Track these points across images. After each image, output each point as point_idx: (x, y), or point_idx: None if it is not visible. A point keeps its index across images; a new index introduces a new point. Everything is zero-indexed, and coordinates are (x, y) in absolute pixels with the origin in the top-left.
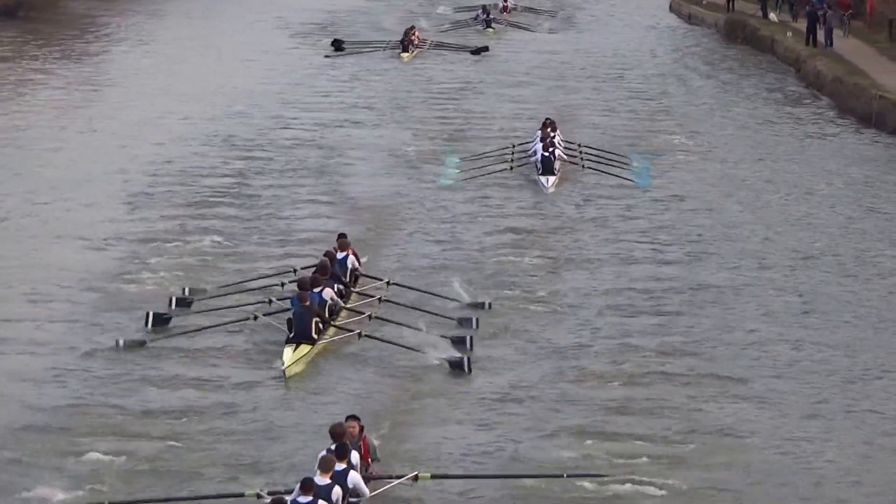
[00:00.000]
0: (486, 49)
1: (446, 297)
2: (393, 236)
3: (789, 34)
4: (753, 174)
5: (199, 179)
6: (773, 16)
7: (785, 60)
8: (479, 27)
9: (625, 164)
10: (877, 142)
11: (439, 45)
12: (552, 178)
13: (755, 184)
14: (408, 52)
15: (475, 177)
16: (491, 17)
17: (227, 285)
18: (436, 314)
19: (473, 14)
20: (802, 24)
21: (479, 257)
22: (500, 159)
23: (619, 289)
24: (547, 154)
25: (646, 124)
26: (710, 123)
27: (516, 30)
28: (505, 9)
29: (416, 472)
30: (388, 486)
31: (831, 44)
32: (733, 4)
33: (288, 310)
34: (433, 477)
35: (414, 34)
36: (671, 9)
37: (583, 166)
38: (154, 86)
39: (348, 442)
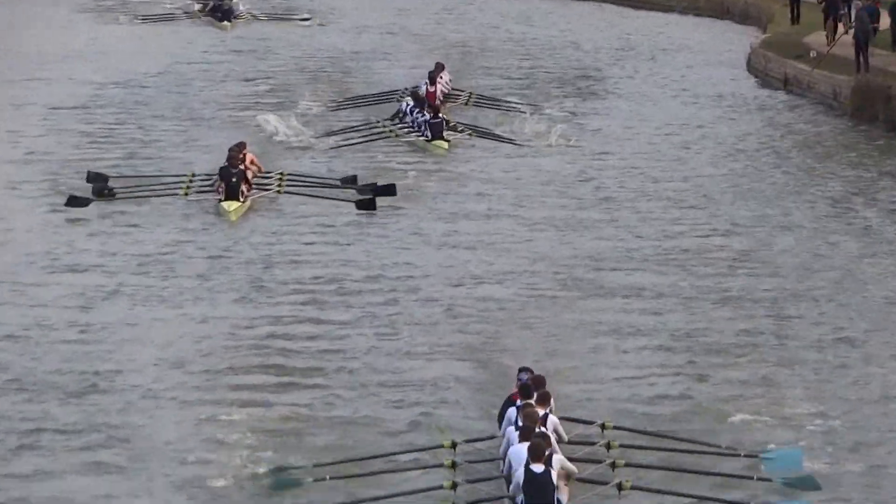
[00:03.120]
0: None
1: None
2: None
3: None
4: None
5: None
6: None
7: None
8: (423, 137)
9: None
10: None
11: (307, 184)
12: None
13: None
14: (236, 199)
15: None
16: (443, 121)
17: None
18: None
19: (393, 111)
20: None
21: None
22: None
23: None
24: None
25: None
26: (835, 293)
27: (489, 141)
28: (431, 100)
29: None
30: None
31: None
32: (866, 58)
33: None
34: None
35: (244, 162)
36: (749, 68)
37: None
38: None
39: None
